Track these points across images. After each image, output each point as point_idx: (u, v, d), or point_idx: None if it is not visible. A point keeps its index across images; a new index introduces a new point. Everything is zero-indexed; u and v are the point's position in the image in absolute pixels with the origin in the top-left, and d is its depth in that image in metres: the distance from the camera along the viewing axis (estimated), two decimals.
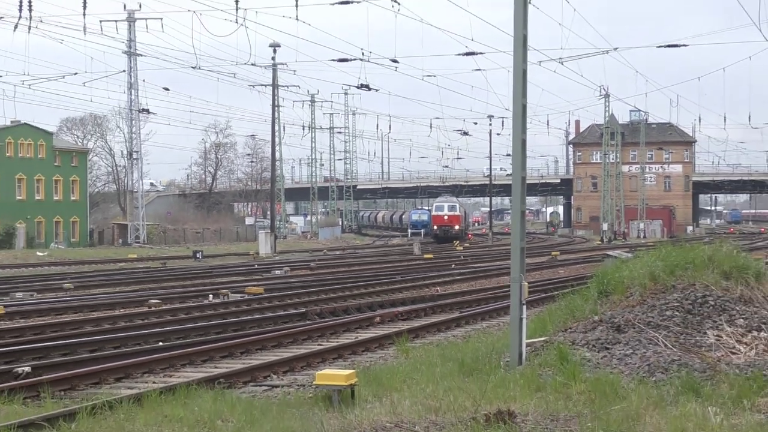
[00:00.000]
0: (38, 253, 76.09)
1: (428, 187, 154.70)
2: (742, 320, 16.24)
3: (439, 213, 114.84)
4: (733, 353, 15.32)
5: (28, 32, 51.03)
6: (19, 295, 36.59)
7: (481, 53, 58.04)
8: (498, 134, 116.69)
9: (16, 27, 49.06)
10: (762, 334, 15.93)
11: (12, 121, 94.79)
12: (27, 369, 18.47)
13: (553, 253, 72.64)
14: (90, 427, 13.42)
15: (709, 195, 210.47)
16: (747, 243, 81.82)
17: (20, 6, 48.00)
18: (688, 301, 16.58)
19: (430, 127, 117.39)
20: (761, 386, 13.59)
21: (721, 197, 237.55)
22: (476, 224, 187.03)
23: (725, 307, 16.50)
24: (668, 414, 12.12)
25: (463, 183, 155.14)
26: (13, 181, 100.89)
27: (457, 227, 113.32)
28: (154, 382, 18.34)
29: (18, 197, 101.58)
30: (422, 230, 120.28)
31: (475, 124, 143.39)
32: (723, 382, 13.84)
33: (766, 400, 12.99)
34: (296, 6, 41.97)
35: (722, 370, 14.41)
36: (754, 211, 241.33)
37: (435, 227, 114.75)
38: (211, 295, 35.50)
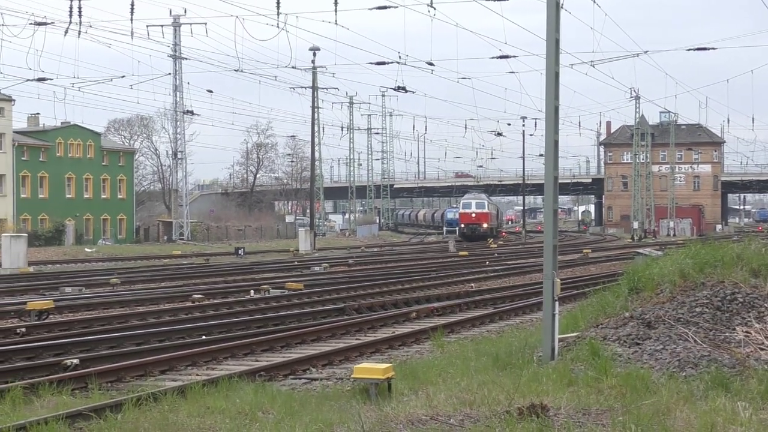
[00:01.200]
0: (86, 250, 76.60)
1: (463, 186, 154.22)
2: None
3: (466, 210, 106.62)
4: (762, 349, 15.19)
5: (78, 37, 51.07)
6: (68, 289, 36.78)
7: (514, 56, 57.98)
8: (531, 135, 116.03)
9: (66, 32, 49.42)
10: None
11: (62, 122, 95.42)
12: (75, 361, 18.54)
13: (584, 250, 72.38)
14: (135, 418, 13.46)
15: (737, 194, 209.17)
16: None
17: (70, 11, 48.39)
18: (717, 298, 16.47)
19: (465, 128, 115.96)
20: None
21: (749, 196, 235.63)
22: (510, 222, 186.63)
23: (754, 304, 16.38)
24: (698, 408, 12.02)
25: (496, 182, 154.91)
26: (62, 179, 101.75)
27: (485, 225, 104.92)
28: (197, 375, 18.37)
29: (68, 195, 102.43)
30: (457, 228, 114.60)
31: (509, 125, 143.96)
32: (752, 378, 13.72)
33: None
34: (335, 11, 42.09)
35: (751, 366, 14.29)
36: None
37: (462, 225, 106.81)
38: (252, 291, 35.57)
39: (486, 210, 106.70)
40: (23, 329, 23.87)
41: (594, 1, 37.42)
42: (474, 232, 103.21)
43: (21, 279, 43.31)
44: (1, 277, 44.90)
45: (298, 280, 38.93)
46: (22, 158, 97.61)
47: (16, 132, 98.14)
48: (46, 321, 26.10)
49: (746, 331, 15.69)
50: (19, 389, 15.40)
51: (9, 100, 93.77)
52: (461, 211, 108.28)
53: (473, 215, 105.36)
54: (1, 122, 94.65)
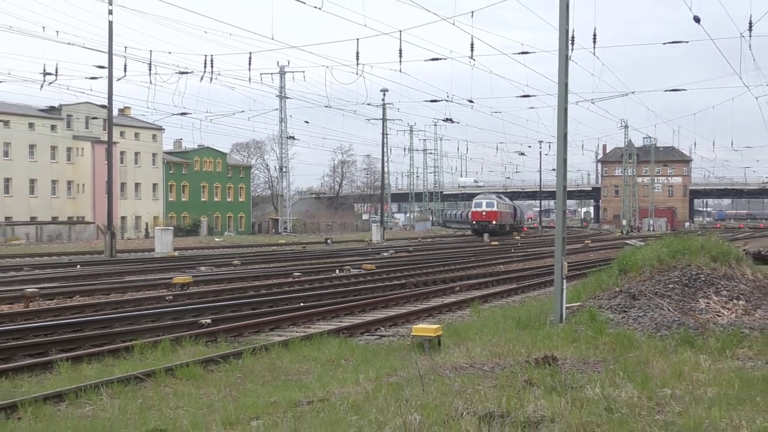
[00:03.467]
0: (216, 239, 77.31)
1: (495, 193, 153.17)
2: (725, 292, 15.91)
3: (477, 209, 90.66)
4: (719, 316, 15.02)
5: (210, 82, 51.75)
6: (202, 268, 37.21)
7: (534, 96, 57.74)
8: (546, 155, 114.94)
9: (201, 78, 49.79)
10: (740, 302, 15.60)
11: (198, 145, 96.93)
12: (208, 321, 18.78)
13: (585, 241, 71.72)
14: (251, 363, 13.61)
15: (701, 199, 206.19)
16: (730, 235, 79.87)
17: (205, 63, 49.02)
18: (686, 277, 16.30)
19: (496, 149, 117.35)
20: (739, 340, 13.33)
21: (710, 201, 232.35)
22: (530, 220, 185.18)
23: (713, 282, 16.19)
24: (670, 360, 11.93)
25: (519, 190, 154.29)
26: (199, 188, 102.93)
27: (494, 222, 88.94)
28: (297, 332, 18.49)
29: (202, 199, 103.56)
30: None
31: (529, 147, 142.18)
32: (711, 337, 13.58)
33: (743, 350, 12.72)
34: (400, 61, 41.88)
35: (710, 329, 14.14)
36: (735, 211, 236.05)
37: (473, 222, 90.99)
38: (337, 270, 35.68)
39: (495, 209, 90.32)
40: (171, 297, 24.21)
41: (594, 54, 36.97)
42: (484, 229, 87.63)
43: (168, 260, 43.83)
44: (155, 259, 45.51)
45: (371, 263, 39.02)
46: (170, 172, 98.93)
47: (165, 153, 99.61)
48: (187, 291, 26.44)
49: (707, 302, 15.52)
50: (168, 341, 15.65)
51: (160, 129, 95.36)
52: (473, 210, 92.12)
53: (483, 213, 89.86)
54: (155, 145, 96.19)
